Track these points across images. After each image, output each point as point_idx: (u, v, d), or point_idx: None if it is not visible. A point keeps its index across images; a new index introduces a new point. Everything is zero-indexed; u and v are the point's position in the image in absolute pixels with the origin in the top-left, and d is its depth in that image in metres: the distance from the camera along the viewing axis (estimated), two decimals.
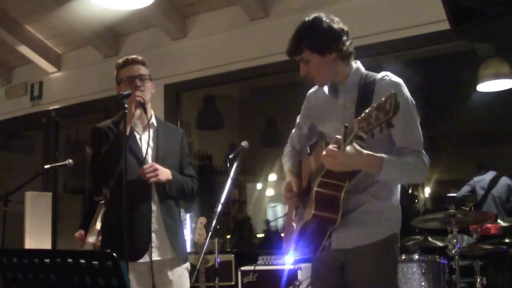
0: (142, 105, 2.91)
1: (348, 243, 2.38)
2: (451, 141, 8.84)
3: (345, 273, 2.43)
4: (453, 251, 3.88)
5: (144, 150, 2.97)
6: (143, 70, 3.06)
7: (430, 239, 4.62)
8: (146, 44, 6.07)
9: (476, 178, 6.75)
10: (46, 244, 5.52)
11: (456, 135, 8.74)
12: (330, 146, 2.21)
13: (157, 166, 2.91)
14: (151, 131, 3.04)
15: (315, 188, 2.29)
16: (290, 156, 2.76)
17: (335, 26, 2.41)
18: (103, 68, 6.48)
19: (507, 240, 5.07)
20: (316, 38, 2.39)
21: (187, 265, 3.08)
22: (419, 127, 2.39)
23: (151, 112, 3.11)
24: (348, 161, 2.18)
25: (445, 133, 8.77)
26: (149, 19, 5.84)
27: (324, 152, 2.21)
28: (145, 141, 2.99)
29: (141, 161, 2.93)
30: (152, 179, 2.88)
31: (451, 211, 3.98)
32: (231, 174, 3.11)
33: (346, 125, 2.14)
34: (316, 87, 2.64)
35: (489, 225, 4.85)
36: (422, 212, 7.06)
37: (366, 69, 2.56)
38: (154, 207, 2.95)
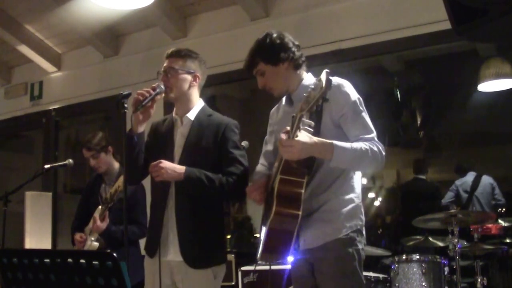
0: (139, 103, 2.73)
1: (313, 242, 2.50)
2: (452, 141, 8.84)
3: (314, 271, 2.53)
4: (454, 251, 3.88)
5: (175, 148, 2.93)
6: (173, 63, 2.92)
7: (430, 239, 4.62)
8: (146, 44, 6.07)
9: (457, 182, 6.71)
10: (46, 244, 5.51)
11: (457, 135, 8.74)
12: (282, 135, 2.34)
13: (165, 164, 2.75)
14: (186, 127, 2.95)
15: (276, 186, 2.36)
16: (259, 171, 2.81)
17: (285, 39, 2.63)
18: (103, 68, 6.48)
19: (507, 240, 5.06)
20: (268, 50, 2.61)
21: (205, 272, 2.83)
22: (368, 120, 2.51)
23: (192, 104, 2.98)
24: (300, 147, 2.28)
25: (446, 133, 8.77)
26: (149, 18, 5.83)
27: (277, 142, 2.36)
28: (178, 136, 2.96)
29: (169, 158, 2.85)
30: (156, 178, 2.78)
31: (452, 211, 3.98)
32: None
33: (293, 115, 2.30)
34: (277, 105, 2.81)
35: (489, 225, 4.84)
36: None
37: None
38: (171, 206, 2.86)
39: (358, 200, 2.57)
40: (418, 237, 4.75)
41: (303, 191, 2.36)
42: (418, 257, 4.01)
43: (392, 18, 4.87)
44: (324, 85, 2.11)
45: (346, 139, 2.45)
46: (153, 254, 2.87)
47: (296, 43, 2.65)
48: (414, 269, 3.95)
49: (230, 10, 5.69)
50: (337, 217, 2.49)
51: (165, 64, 2.95)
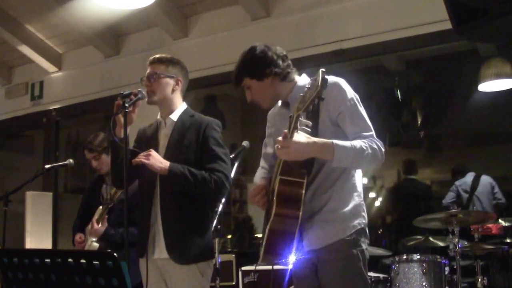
0: (120, 107, 2.83)
1: (317, 243, 2.48)
2: (452, 141, 8.83)
3: (318, 272, 2.52)
4: (454, 251, 3.88)
5: (159, 148, 3.03)
6: (156, 69, 3.05)
7: (431, 239, 4.62)
8: (147, 44, 6.07)
9: (457, 183, 6.71)
10: (47, 244, 5.52)
11: (457, 134, 8.73)
12: (279, 138, 2.31)
13: (153, 153, 2.86)
14: (169, 128, 3.06)
15: (276, 187, 2.36)
16: (260, 173, 2.81)
17: (269, 53, 2.58)
18: (103, 67, 6.48)
19: (508, 240, 5.06)
20: (252, 66, 2.60)
21: (191, 268, 2.89)
22: (366, 118, 2.49)
23: (175, 107, 3.08)
24: (299, 148, 2.27)
25: (446, 133, 8.76)
26: (150, 18, 5.84)
27: (275, 145, 2.33)
28: (162, 137, 3.06)
29: None
30: (139, 160, 2.82)
31: (452, 211, 3.98)
32: (232, 173, 3.11)
33: (290, 115, 2.30)
34: (274, 107, 2.78)
35: (490, 225, 4.83)
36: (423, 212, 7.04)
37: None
38: (156, 205, 2.95)
39: (359, 199, 2.55)
40: (418, 237, 4.75)
41: (303, 191, 2.34)
42: (418, 257, 4.01)
43: (392, 18, 4.87)
44: (320, 84, 2.11)
45: (345, 138, 2.43)
46: (142, 254, 2.94)
47: (282, 53, 2.61)
48: (415, 269, 3.95)
49: (231, 10, 5.70)
50: (339, 217, 2.47)
51: (148, 71, 3.07)
